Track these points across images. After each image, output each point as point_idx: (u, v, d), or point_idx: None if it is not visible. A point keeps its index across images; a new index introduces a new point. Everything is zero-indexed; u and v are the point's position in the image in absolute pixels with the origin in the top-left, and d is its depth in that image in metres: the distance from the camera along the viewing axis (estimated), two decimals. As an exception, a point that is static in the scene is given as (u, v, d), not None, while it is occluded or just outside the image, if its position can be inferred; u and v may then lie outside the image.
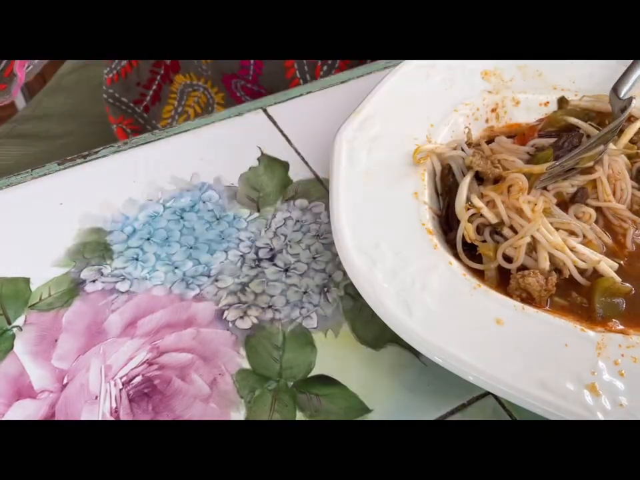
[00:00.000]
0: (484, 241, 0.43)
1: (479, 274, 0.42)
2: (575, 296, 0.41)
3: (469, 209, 0.44)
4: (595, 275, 0.42)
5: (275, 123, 0.54)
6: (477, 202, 0.44)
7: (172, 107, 0.79)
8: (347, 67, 0.65)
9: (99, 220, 0.47)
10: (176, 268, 0.45)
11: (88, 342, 0.41)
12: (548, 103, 0.53)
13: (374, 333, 0.42)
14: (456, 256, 0.43)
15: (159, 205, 0.48)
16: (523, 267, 0.42)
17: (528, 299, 0.41)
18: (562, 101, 0.53)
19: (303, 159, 0.51)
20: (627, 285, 0.42)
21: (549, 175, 0.43)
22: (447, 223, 0.45)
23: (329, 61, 0.67)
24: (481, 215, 0.43)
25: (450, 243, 0.44)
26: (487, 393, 0.39)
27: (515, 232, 0.42)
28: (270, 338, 0.41)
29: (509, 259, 0.42)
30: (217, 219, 0.48)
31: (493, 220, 0.43)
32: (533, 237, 0.42)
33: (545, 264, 0.41)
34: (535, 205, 0.43)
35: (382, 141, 0.47)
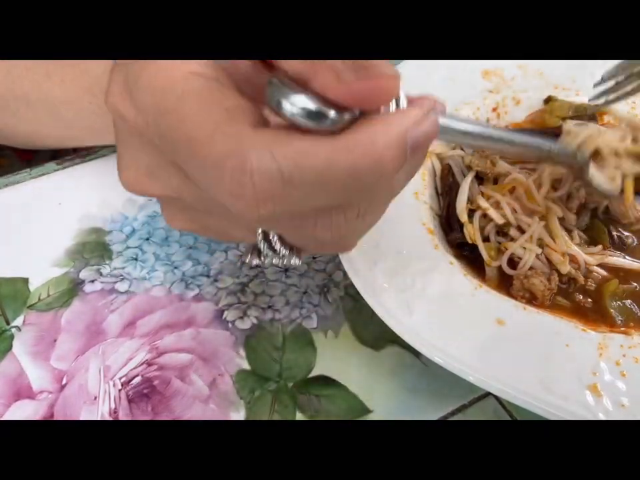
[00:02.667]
0: (487, 241, 0.43)
1: (480, 274, 0.42)
2: (579, 296, 0.41)
3: (474, 210, 0.44)
4: (601, 279, 0.42)
5: (275, 122, 0.53)
6: (484, 203, 0.44)
7: None
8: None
9: (98, 220, 0.47)
10: (175, 268, 0.45)
11: (87, 342, 0.40)
12: (549, 102, 0.53)
13: (374, 333, 0.41)
14: (456, 256, 0.42)
15: (159, 205, 0.48)
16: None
17: (531, 299, 0.40)
18: (549, 100, 0.53)
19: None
20: (632, 284, 0.42)
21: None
22: (447, 223, 0.45)
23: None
24: (484, 215, 0.43)
25: (451, 243, 0.44)
26: (488, 394, 0.39)
27: (522, 231, 0.43)
28: (270, 338, 0.41)
29: (511, 259, 0.42)
30: (217, 219, 0.47)
31: (500, 220, 0.43)
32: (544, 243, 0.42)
33: (566, 268, 0.41)
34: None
35: (382, 141, 0.47)
